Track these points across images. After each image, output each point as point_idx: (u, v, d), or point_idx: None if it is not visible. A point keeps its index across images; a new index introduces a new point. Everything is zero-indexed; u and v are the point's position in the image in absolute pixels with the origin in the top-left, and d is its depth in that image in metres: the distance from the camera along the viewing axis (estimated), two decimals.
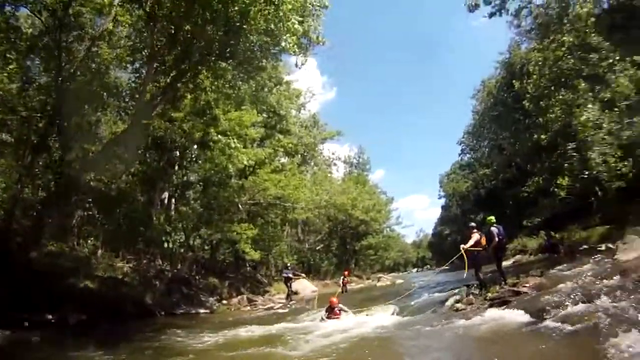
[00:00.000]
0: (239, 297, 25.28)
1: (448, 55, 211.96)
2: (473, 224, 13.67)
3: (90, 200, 21.19)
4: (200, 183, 29.78)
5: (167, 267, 24.56)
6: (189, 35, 15.68)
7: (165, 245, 25.67)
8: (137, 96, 19.31)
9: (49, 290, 14.84)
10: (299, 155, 41.16)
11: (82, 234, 22.14)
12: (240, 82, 19.52)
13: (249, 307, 23.05)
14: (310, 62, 30.21)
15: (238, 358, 9.37)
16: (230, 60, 16.43)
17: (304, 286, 31.34)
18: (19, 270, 14.44)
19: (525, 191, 31.64)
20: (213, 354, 9.86)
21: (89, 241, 22.09)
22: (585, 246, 20.30)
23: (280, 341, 10.57)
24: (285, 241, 39.15)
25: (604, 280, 9.67)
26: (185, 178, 29.56)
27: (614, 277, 9.70)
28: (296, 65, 17.68)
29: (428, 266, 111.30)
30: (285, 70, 35.34)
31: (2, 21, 15.98)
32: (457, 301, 12.52)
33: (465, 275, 13.47)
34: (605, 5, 25.09)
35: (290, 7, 13.89)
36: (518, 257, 30.46)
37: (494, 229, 12.45)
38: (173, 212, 27.26)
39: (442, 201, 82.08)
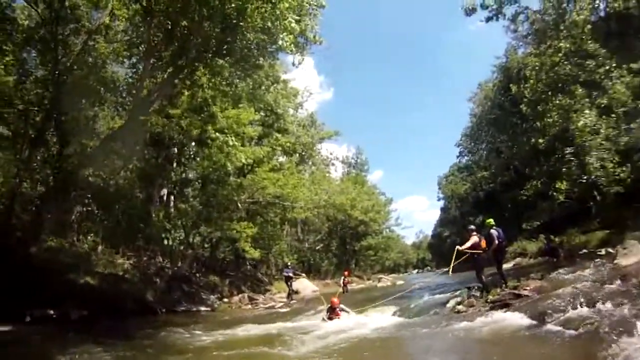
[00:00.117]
0: (240, 295, 25.33)
1: (445, 56, 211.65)
2: (472, 226, 13.60)
3: (89, 196, 21.15)
4: (199, 180, 29.76)
5: (167, 265, 24.46)
6: (185, 32, 15.68)
7: (165, 242, 25.74)
8: (134, 91, 19.24)
9: (50, 286, 14.86)
10: (297, 155, 41.11)
11: (82, 229, 22.05)
12: (238, 80, 19.53)
13: (250, 306, 23.09)
14: (308, 61, 30.12)
15: (237, 357, 9.34)
16: (228, 58, 16.37)
17: (305, 286, 31.41)
18: (18, 266, 14.45)
19: (523, 194, 31.54)
20: (212, 352, 9.79)
21: (89, 237, 22.00)
22: (584, 250, 20.32)
23: (280, 341, 10.54)
24: (285, 240, 39.23)
25: (605, 285, 9.62)
26: (183, 175, 29.58)
27: (615, 282, 9.63)
28: (293, 64, 17.71)
29: (428, 267, 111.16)
30: (282, 68, 35.25)
31: None
32: (458, 303, 12.46)
33: (450, 273, 13.53)
34: (602, 13, 25.02)
35: (287, 5, 13.88)
36: (518, 260, 30.41)
37: (493, 232, 12.44)
38: (172, 209, 27.30)
39: (441, 203, 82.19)
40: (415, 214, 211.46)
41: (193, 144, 27.04)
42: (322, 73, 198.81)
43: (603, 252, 17.01)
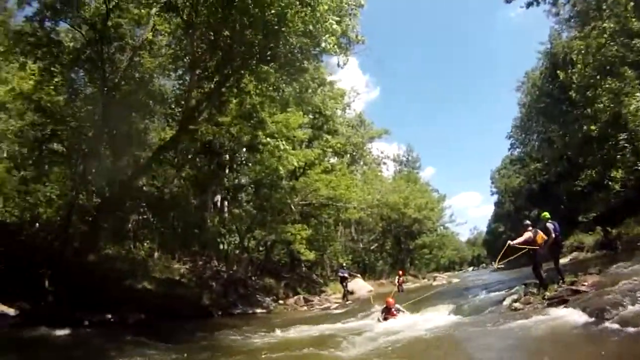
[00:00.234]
0: (296, 297, 25.59)
1: (489, 45, 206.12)
2: (528, 221, 13.20)
3: (145, 204, 21.77)
4: (252, 185, 29.96)
5: (223, 269, 24.85)
6: (228, 41, 15.82)
7: (220, 246, 26.11)
8: (182, 102, 19.75)
9: (108, 292, 15.49)
10: (348, 155, 40.98)
11: (138, 237, 22.82)
12: (284, 85, 19.41)
13: (305, 307, 23.29)
14: (352, 61, 29.90)
15: (286, 358, 9.44)
16: (272, 63, 16.42)
17: (360, 286, 31.21)
18: (76, 273, 15.11)
19: (578, 185, 30.46)
20: (263, 353, 9.83)
21: (145, 244, 22.79)
22: None
23: (332, 342, 10.57)
24: (339, 241, 39.26)
25: None
26: (236, 181, 29.93)
27: None
28: (338, 65, 17.49)
29: (484, 264, 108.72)
30: (327, 70, 35.13)
31: (43, 36, 16.75)
32: (515, 300, 12.14)
33: (495, 266, 13.18)
34: None
35: (326, 7, 13.76)
36: (575, 254, 29.03)
37: (549, 225, 12.02)
38: (226, 215, 27.68)
39: (495, 198, 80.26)
40: (469, 210, 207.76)
41: (244, 149, 27.25)
42: (367, 72, 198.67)
43: None
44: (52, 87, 17.44)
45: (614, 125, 22.50)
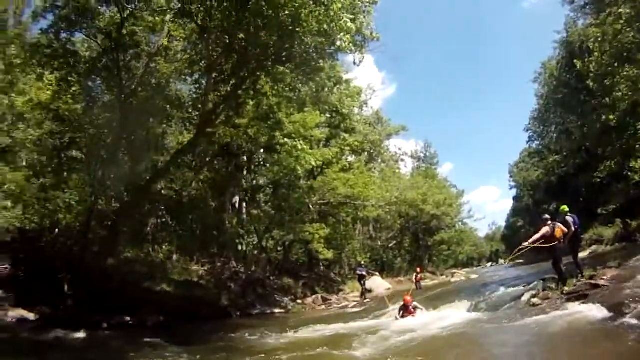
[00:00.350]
0: (314, 296, 25.68)
1: (504, 37, 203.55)
2: (547, 215, 13.05)
3: (163, 208, 22.02)
4: (270, 186, 30.17)
5: (241, 269, 25.03)
6: (243, 43, 15.90)
7: (239, 247, 26.36)
8: (199, 106, 19.94)
9: (127, 295, 15.83)
10: (366, 153, 40.88)
11: (157, 240, 23.10)
12: (300, 85, 19.42)
13: (323, 306, 23.37)
14: (368, 59, 29.51)
15: (301, 358, 9.54)
16: (288, 64, 16.54)
17: (378, 284, 31.15)
18: (95, 277, 15.41)
19: (597, 177, 30.06)
20: (279, 353, 9.99)
21: (164, 247, 23.08)
22: None
23: (347, 341, 10.65)
24: (357, 239, 39.15)
25: None
26: (254, 182, 30.17)
27: None
28: (354, 63, 17.44)
29: (502, 260, 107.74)
30: (343, 69, 34.96)
31: (59, 47, 17.08)
32: (533, 296, 12.03)
33: (506, 263, 13.10)
34: None
35: (340, 5, 13.73)
36: (594, 247, 28.66)
37: (569, 218, 11.91)
38: (245, 216, 27.91)
39: (513, 192, 78.80)
40: (487, 205, 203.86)
41: (262, 151, 27.40)
42: (383, 69, 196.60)
43: None
44: (69, 96, 17.85)
45: (633, 113, 22.23)
